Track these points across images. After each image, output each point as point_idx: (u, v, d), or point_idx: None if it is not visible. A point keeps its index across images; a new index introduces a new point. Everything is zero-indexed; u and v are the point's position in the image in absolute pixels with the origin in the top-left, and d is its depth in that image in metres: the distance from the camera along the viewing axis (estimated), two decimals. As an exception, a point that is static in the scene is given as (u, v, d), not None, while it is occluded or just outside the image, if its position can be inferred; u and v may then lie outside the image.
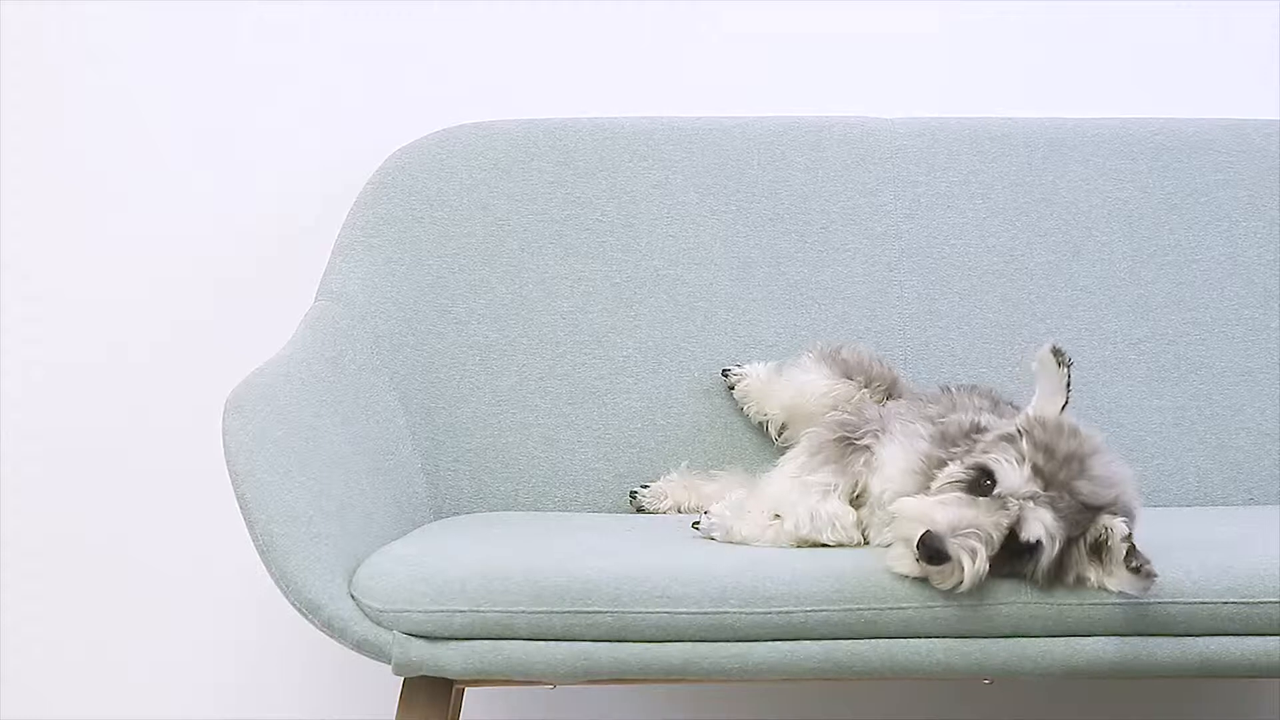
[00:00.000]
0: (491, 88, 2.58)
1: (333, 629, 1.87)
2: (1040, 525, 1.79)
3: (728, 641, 1.85)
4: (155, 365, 2.58)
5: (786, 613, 1.83)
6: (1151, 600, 1.82)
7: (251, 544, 1.87)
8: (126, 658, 2.60)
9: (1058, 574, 1.82)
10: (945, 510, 1.79)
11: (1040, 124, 2.46)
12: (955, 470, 1.85)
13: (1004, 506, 1.79)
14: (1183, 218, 2.43)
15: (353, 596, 1.88)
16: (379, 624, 1.86)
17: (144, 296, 2.59)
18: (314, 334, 2.21)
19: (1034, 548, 1.80)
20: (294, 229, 2.57)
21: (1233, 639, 1.85)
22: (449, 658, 1.86)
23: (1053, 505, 1.80)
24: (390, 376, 2.29)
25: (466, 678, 1.88)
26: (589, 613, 1.84)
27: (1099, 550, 1.82)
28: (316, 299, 2.32)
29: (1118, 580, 1.81)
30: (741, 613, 1.84)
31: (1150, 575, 1.79)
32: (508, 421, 2.36)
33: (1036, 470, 1.81)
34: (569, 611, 1.84)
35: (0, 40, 2.57)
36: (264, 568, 1.87)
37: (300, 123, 2.58)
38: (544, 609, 1.84)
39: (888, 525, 1.88)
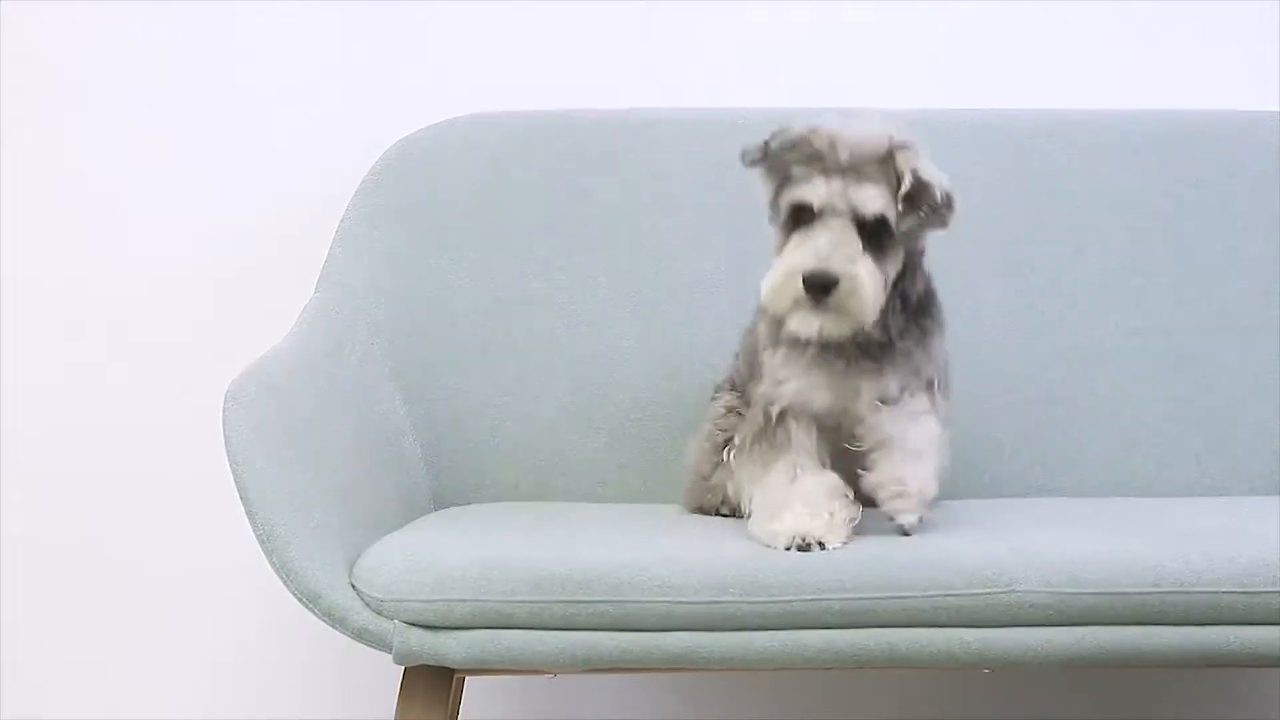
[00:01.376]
0: (492, 79, 2.58)
1: (333, 618, 1.87)
2: (867, 199, 1.86)
3: (728, 631, 1.85)
4: (155, 363, 2.58)
5: (787, 602, 1.83)
6: (1152, 590, 1.83)
7: (252, 538, 1.87)
8: (126, 658, 2.60)
9: (918, 226, 1.91)
10: (800, 253, 1.86)
11: (1040, 115, 2.46)
12: (780, 236, 1.91)
13: (835, 212, 1.86)
14: (1184, 209, 2.43)
15: (353, 586, 1.88)
16: (379, 613, 1.87)
17: (144, 294, 2.59)
18: (315, 325, 2.21)
19: (881, 219, 1.87)
20: (294, 223, 2.57)
21: (1233, 628, 1.85)
22: (449, 647, 1.86)
23: (860, 179, 1.87)
24: (391, 367, 2.29)
25: (467, 667, 1.89)
26: (589, 602, 1.84)
27: (915, 200, 1.89)
28: (317, 290, 2.32)
29: (939, 216, 1.89)
30: (742, 602, 1.83)
31: (946, 202, 1.89)
32: (508, 412, 2.36)
33: (825, 170, 1.87)
34: (569, 601, 1.84)
35: (0, 40, 2.58)
36: (265, 560, 1.87)
37: (301, 115, 2.58)
38: (544, 598, 1.84)
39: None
